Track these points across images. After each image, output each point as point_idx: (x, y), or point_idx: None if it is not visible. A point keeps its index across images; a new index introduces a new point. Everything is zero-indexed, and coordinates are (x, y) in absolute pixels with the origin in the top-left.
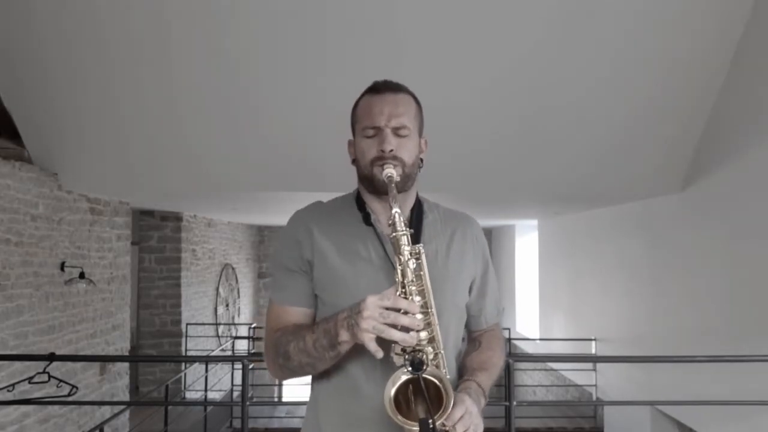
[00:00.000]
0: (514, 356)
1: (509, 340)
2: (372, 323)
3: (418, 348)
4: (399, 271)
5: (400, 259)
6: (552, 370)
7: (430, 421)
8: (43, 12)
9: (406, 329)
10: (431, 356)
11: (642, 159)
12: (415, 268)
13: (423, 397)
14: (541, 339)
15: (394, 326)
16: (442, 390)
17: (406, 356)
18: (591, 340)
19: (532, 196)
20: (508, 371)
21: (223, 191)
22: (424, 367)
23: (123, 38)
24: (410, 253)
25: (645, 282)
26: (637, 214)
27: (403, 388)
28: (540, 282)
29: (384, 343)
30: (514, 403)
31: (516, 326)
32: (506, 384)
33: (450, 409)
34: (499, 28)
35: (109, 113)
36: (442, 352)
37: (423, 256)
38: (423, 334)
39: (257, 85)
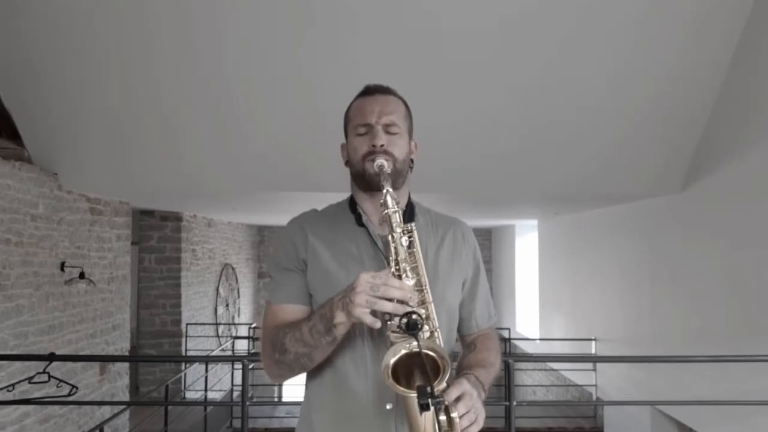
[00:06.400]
0: (514, 356)
1: (509, 339)
2: (364, 297)
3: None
4: (392, 249)
5: (392, 237)
6: (552, 370)
7: (431, 387)
8: (43, 12)
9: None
10: (427, 334)
11: (642, 159)
12: (407, 246)
13: (420, 368)
14: (541, 339)
15: (386, 300)
16: (438, 359)
17: (402, 319)
18: (591, 340)
19: (532, 196)
20: (508, 371)
21: (222, 191)
22: (419, 329)
23: (124, 38)
24: (403, 231)
25: (645, 282)
26: (637, 215)
27: (402, 362)
28: (540, 282)
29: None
30: (514, 403)
31: (516, 326)
32: (506, 384)
33: (447, 373)
34: (501, 29)
35: (109, 113)
36: (438, 331)
37: (415, 233)
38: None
39: (257, 85)
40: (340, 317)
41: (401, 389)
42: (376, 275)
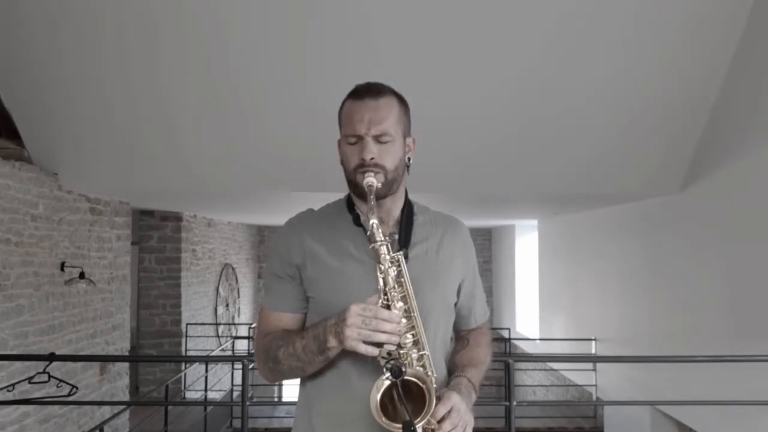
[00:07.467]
0: (514, 356)
1: (509, 339)
2: (356, 331)
3: (397, 355)
4: (381, 279)
5: (380, 268)
6: (552, 370)
7: (414, 423)
8: (43, 12)
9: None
10: (416, 358)
11: (642, 159)
12: (396, 275)
13: (406, 400)
14: (541, 339)
15: (378, 332)
16: (425, 391)
17: (387, 364)
18: (591, 340)
19: (532, 196)
20: (508, 371)
21: (222, 191)
22: (403, 375)
23: (124, 38)
24: (390, 262)
25: (645, 282)
26: (637, 214)
27: (389, 391)
28: (540, 282)
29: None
30: (514, 403)
31: (516, 326)
32: (506, 384)
33: (432, 411)
34: (502, 30)
35: (110, 113)
36: (428, 353)
37: (403, 264)
38: (408, 338)
39: (257, 86)
40: (332, 342)
41: (389, 423)
42: (365, 308)
